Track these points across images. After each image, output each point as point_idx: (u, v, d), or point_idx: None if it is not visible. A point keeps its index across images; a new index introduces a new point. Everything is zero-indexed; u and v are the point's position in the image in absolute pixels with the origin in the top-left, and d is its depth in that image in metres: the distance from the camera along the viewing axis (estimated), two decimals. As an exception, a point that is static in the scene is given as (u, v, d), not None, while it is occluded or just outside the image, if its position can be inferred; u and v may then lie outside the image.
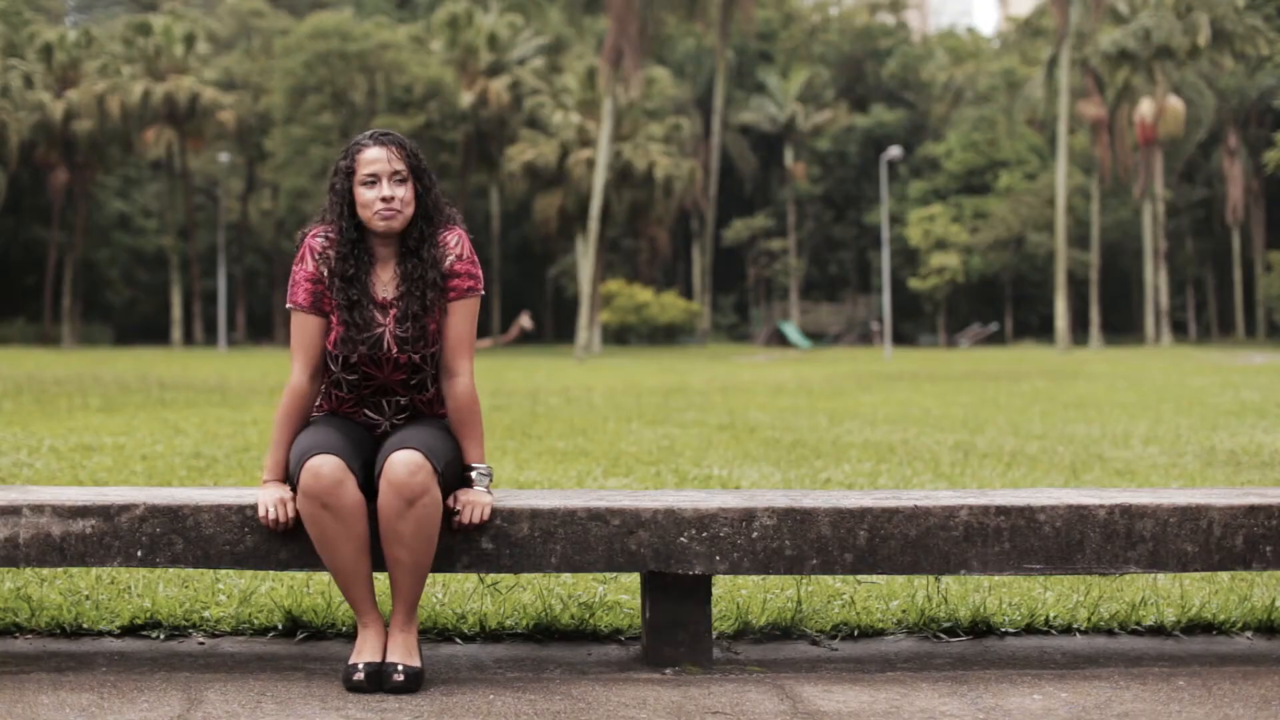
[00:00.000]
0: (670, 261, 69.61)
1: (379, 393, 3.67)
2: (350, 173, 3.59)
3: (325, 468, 3.40)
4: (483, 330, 56.61)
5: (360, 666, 3.42)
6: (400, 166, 3.58)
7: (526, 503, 3.68)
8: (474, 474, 3.60)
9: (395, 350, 3.60)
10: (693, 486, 7.56)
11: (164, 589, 4.45)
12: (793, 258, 69.53)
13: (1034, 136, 67.53)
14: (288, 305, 3.64)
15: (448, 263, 3.62)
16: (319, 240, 3.63)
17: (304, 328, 3.61)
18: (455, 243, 3.65)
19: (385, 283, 3.63)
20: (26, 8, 64.57)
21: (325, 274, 3.60)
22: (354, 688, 3.40)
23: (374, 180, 3.56)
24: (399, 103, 56.70)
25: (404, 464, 3.40)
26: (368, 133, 3.67)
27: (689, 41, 69.60)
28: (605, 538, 3.61)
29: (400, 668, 3.42)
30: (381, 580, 4.38)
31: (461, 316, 3.63)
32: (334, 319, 3.60)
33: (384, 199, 3.55)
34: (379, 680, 3.41)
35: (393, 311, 3.60)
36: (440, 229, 3.65)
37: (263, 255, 67.56)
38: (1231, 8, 55.09)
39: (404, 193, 3.58)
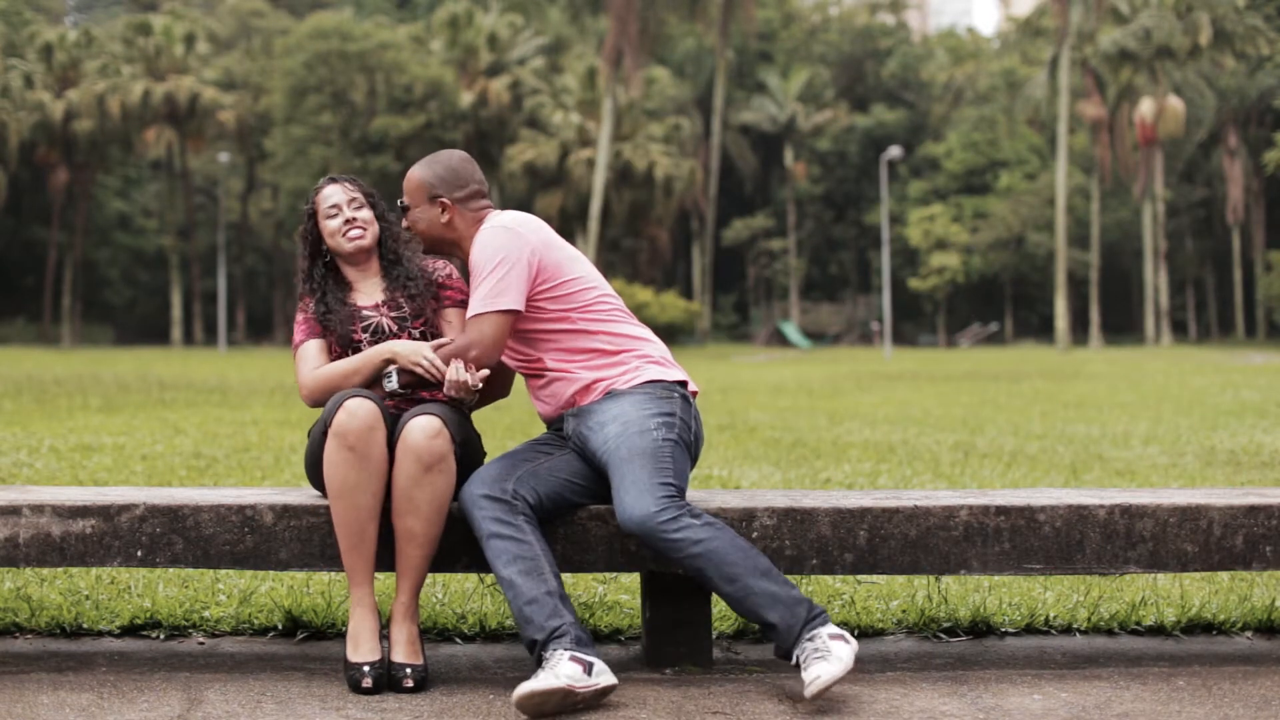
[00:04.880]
0: (670, 261, 69.55)
1: None
2: (313, 214, 3.84)
3: (361, 409, 3.43)
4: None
5: (367, 670, 3.37)
6: (356, 195, 3.84)
7: (526, 503, 3.67)
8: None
9: (396, 330, 3.72)
10: (693, 487, 7.56)
11: (164, 589, 4.45)
12: (793, 258, 69.54)
13: (1034, 136, 67.55)
14: (293, 350, 3.79)
15: (437, 275, 3.84)
16: (311, 301, 3.82)
17: (309, 351, 3.75)
18: (443, 265, 3.88)
19: (368, 293, 3.81)
20: (26, 8, 64.61)
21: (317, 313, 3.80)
22: (361, 692, 3.36)
23: (336, 211, 3.80)
24: (399, 103, 56.71)
25: (423, 429, 3.43)
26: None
27: (689, 41, 69.62)
28: (605, 538, 3.61)
29: (409, 670, 3.40)
30: (381, 580, 4.38)
31: (454, 324, 3.79)
32: (330, 339, 3.78)
33: (348, 220, 3.79)
34: (387, 685, 3.39)
35: (383, 307, 3.75)
36: (418, 256, 3.85)
37: (263, 255, 67.58)
38: (1232, 8, 55.11)
39: (365, 214, 3.83)
